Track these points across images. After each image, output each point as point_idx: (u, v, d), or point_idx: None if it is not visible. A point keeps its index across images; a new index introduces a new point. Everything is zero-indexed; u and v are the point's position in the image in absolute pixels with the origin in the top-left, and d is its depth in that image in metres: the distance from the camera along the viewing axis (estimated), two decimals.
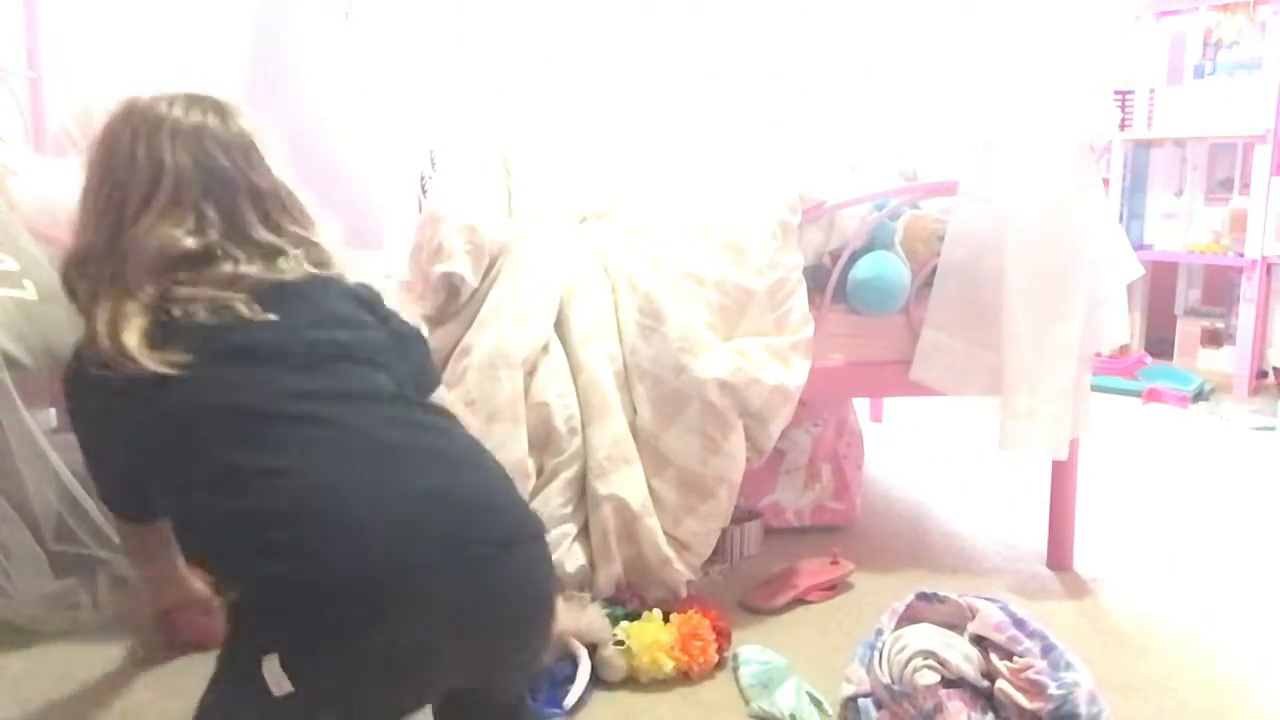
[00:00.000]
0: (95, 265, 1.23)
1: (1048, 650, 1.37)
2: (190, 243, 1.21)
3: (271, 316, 1.19)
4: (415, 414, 1.21)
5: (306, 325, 1.21)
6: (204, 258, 1.22)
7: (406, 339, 1.34)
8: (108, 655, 1.63)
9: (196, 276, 1.20)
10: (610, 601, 1.67)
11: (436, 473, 1.14)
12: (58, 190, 1.89)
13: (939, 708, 1.33)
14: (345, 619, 1.01)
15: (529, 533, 1.18)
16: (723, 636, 1.61)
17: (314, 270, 1.28)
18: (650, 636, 1.55)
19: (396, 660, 1.04)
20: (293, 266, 1.26)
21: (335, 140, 3.91)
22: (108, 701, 1.50)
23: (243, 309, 1.19)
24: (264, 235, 1.26)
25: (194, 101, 1.31)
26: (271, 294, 1.22)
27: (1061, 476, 1.98)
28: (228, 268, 1.22)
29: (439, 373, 1.50)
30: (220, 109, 1.32)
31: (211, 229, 1.23)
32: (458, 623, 1.07)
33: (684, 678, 1.56)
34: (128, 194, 1.23)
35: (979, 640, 1.42)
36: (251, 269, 1.22)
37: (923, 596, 1.50)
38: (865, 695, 1.41)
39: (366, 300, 1.32)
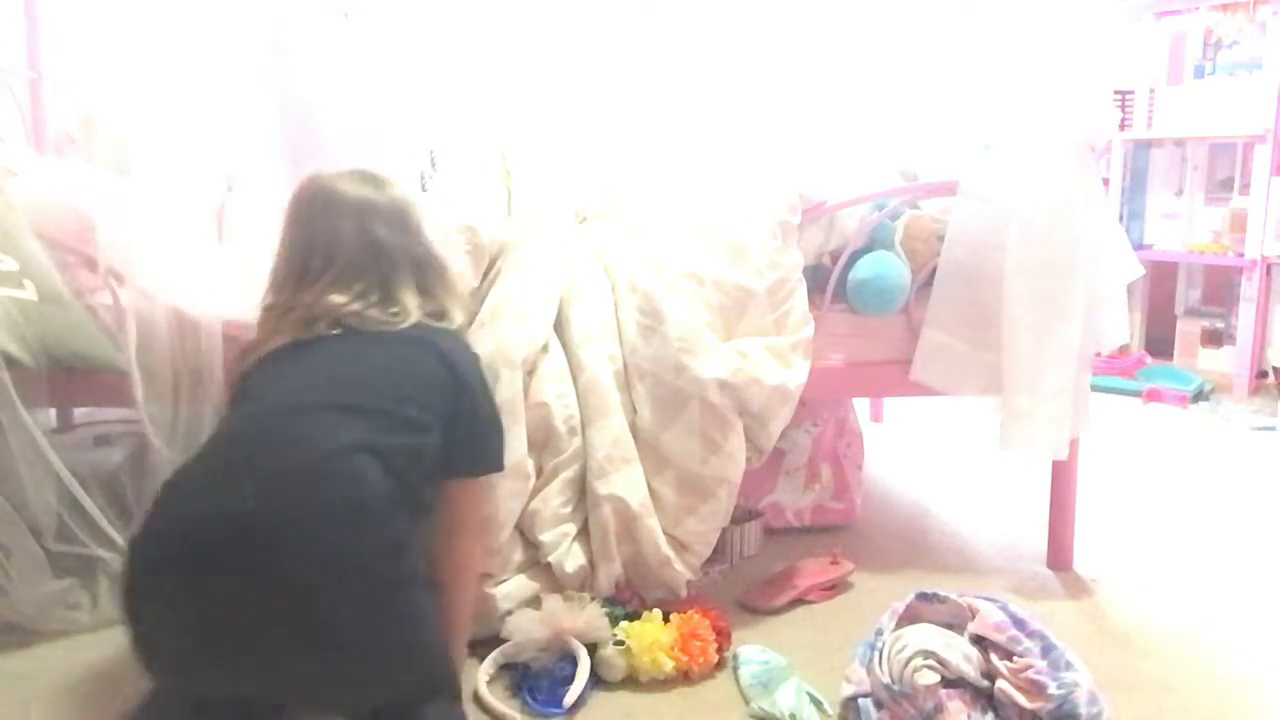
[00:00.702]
0: (278, 312, 1.45)
1: (1048, 650, 1.37)
2: (352, 307, 1.42)
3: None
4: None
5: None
6: None
7: (468, 418, 1.43)
8: (107, 655, 1.63)
9: None
10: (610, 601, 1.67)
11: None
12: (58, 190, 1.89)
13: (939, 708, 1.33)
14: None
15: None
16: (723, 636, 1.61)
17: (425, 321, 1.47)
18: (650, 636, 1.55)
19: None
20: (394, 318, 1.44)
21: (335, 140, 3.91)
22: (107, 702, 1.50)
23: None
24: (410, 299, 1.47)
25: (358, 176, 1.51)
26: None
27: (1061, 476, 1.98)
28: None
29: (486, 458, 1.50)
30: (377, 181, 1.51)
31: (372, 295, 1.44)
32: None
33: (684, 678, 1.56)
34: (308, 261, 1.44)
35: (979, 640, 1.42)
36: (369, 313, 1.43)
37: (923, 596, 1.50)
38: (865, 695, 1.41)
39: (448, 362, 1.43)
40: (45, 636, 1.68)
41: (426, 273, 1.50)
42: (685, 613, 1.61)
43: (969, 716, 1.32)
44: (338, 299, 1.41)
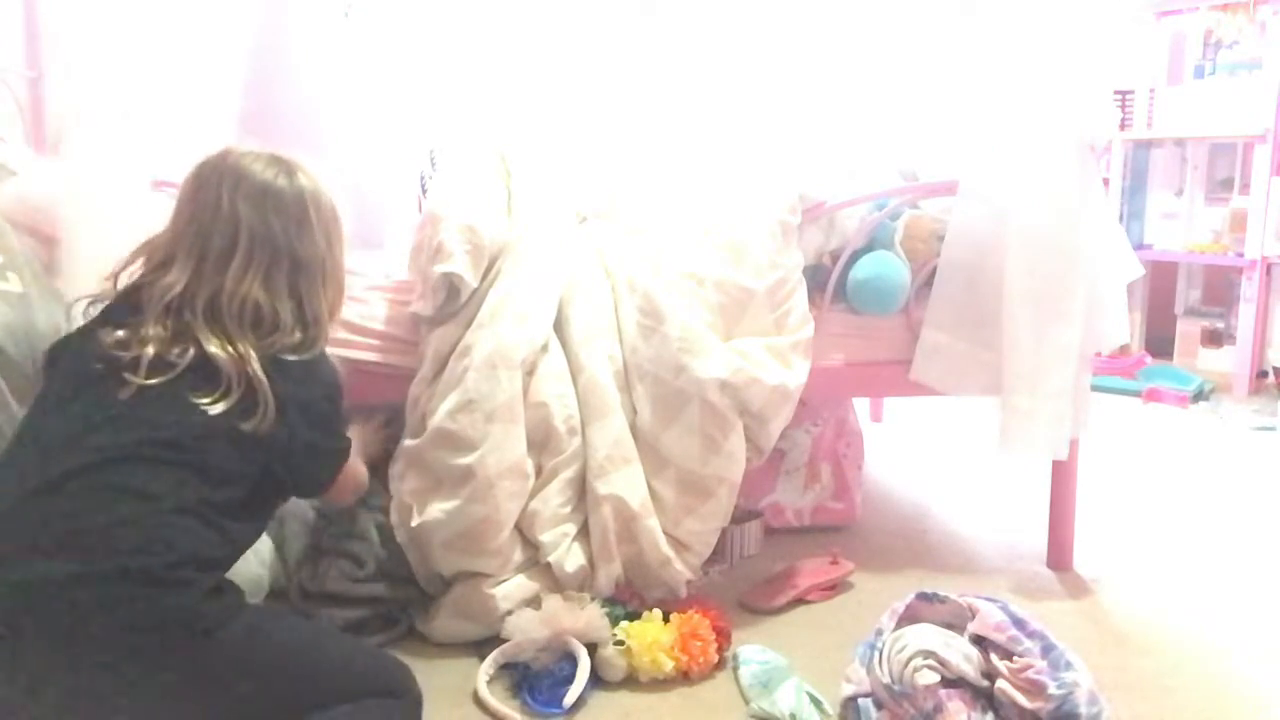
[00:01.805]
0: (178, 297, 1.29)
1: (1048, 650, 1.37)
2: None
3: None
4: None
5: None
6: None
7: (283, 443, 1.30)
8: None
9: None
10: (610, 601, 1.67)
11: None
12: (58, 190, 1.89)
13: (939, 708, 1.33)
14: None
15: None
16: (723, 636, 1.61)
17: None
18: (650, 636, 1.55)
19: None
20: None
21: (335, 140, 3.91)
22: None
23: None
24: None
25: (270, 160, 1.39)
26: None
27: (1061, 476, 1.98)
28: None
29: (314, 477, 1.42)
30: (289, 168, 1.39)
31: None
32: None
33: (684, 678, 1.56)
34: (210, 241, 1.32)
35: (979, 640, 1.42)
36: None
37: (923, 596, 1.50)
38: (865, 695, 1.41)
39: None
40: None
41: (302, 277, 1.36)
42: (685, 613, 1.61)
43: (969, 716, 1.32)
44: (259, 293, 1.31)
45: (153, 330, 1.26)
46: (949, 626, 1.46)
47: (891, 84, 2.49)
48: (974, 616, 1.44)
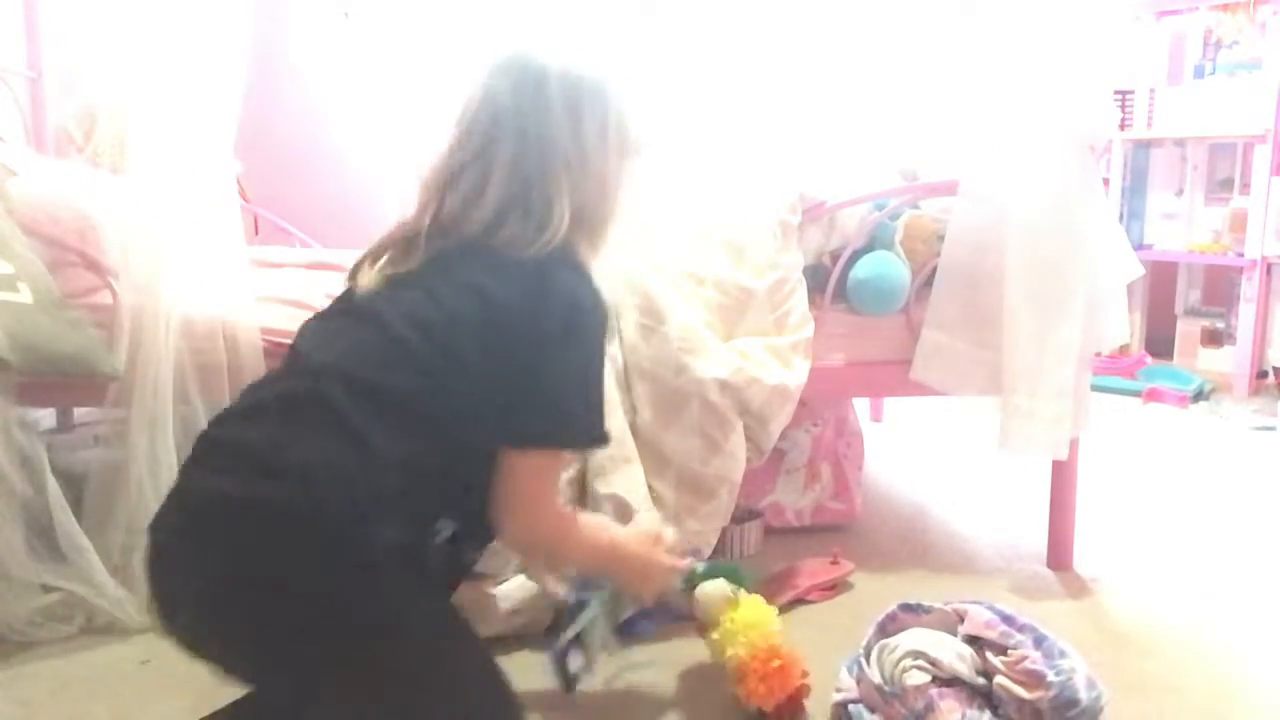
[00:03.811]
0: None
1: (1039, 641, 1.37)
2: None
3: None
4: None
5: None
6: None
7: None
8: (108, 655, 1.64)
9: None
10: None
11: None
12: (58, 190, 1.89)
13: (930, 707, 1.33)
14: None
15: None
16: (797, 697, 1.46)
17: None
18: (753, 617, 1.44)
19: None
20: None
21: (335, 140, 3.92)
22: (108, 701, 1.50)
23: None
24: None
25: None
26: None
27: (1061, 476, 1.98)
28: None
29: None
30: None
31: None
32: None
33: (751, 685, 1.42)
34: None
35: (973, 640, 1.42)
36: None
37: (905, 607, 1.49)
38: (855, 701, 1.41)
39: None
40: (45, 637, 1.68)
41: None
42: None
43: (964, 715, 1.32)
44: None
45: None
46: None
47: (891, 84, 2.49)
48: (961, 620, 1.44)
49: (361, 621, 1.05)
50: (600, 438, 1.25)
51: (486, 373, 1.13)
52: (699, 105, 2.53)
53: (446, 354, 1.12)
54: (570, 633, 1.41)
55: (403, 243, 1.23)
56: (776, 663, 1.41)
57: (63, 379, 1.74)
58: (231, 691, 1.52)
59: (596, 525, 1.40)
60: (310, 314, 1.31)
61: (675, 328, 1.74)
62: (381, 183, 3.88)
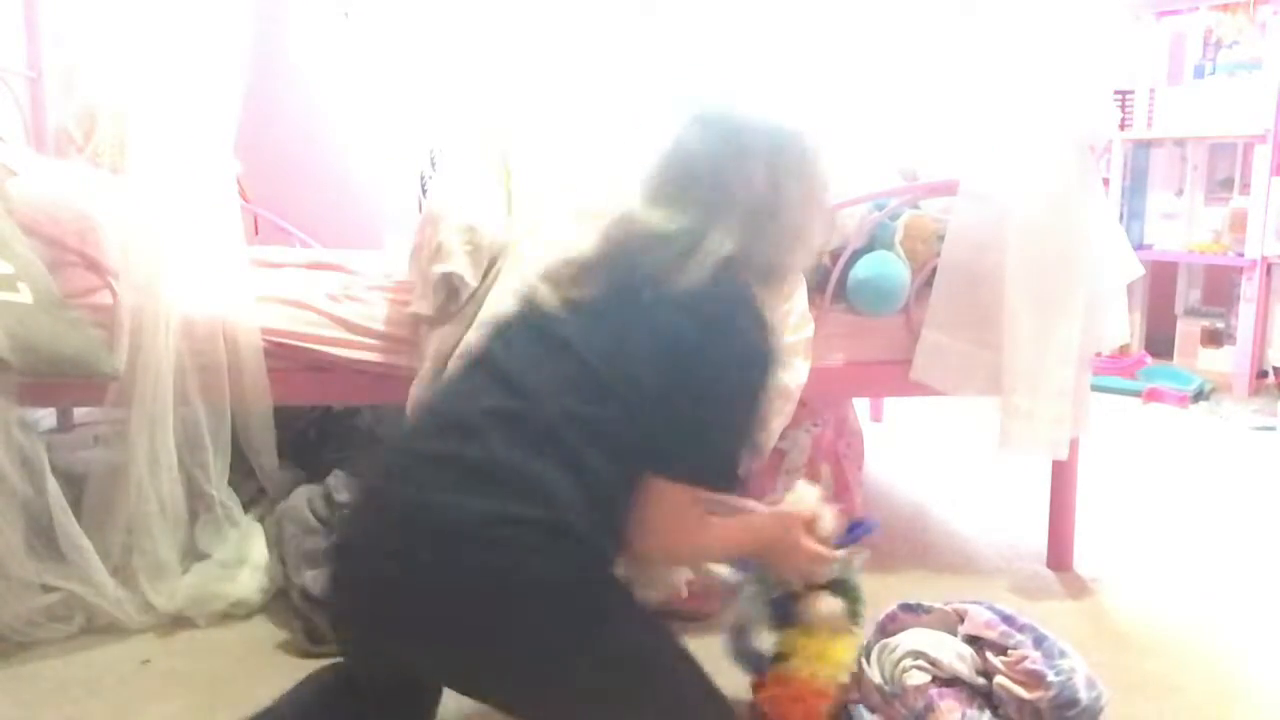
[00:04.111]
0: None
1: (1039, 641, 1.38)
2: None
3: None
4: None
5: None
6: None
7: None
8: (108, 655, 1.64)
9: None
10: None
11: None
12: (58, 190, 1.89)
13: (930, 707, 1.33)
14: None
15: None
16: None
17: None
18: (845, 657, 1.39)
19: None
20: None
21: (335, 140, 3.92)
22: (108, 701, 1.50)
23: None
24: None
25: None
26: None
27: (1061, 476, 1.98)
28: None
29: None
30: None
31: None
32: None
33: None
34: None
35: (973, 640, 1.42)
36: None
37: (905, 607, 1.49)
38: (855, 701, 1.41)
39: None
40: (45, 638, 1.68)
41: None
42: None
43: (964, 714, 1.32)
44: None
45: None
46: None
47: (891, 84, 2.49)
48: (961, 620, 1.44)
49: (607, 634, 1.09)
50: (730, 483, 1.23)
51: (660, 405, 1.13)
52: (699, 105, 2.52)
53: (633, 386, 1.12)
54: (740, 613, 1.39)
55: (583, 270, 1.24)
56: (825, 705, 1.36)
57: (63, 379, 1.74)
58: (232, 691, 1.53)
59: (732, 522, 1.34)
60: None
61: None
62: (381, 183, 3.89)
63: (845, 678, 1.39)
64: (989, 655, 1.39)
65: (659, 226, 1.21)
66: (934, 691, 1.34)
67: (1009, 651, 1.37)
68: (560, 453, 1.08)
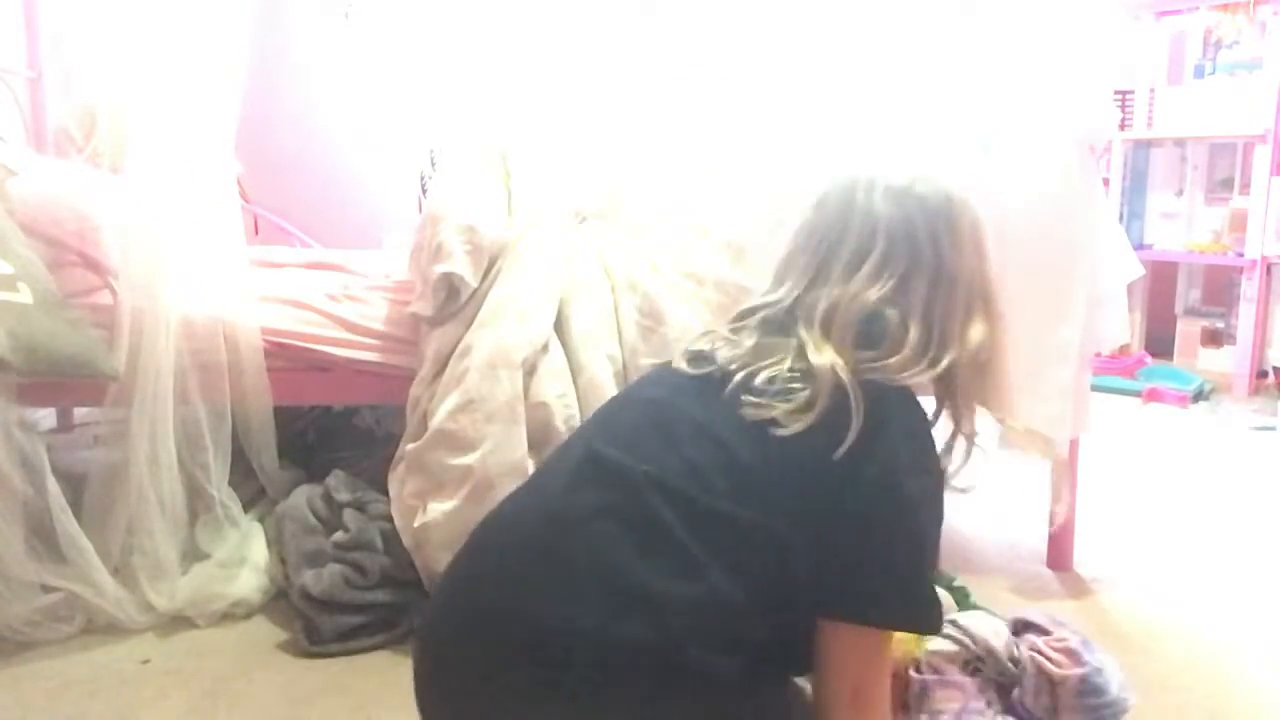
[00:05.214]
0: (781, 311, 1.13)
1: (1087, 642, 1.37)
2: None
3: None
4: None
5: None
6: None
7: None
8: (108, 655, 1.64)
9: None
10: None
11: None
12: (58, 190, 1.89)
13: (925, 691, 1.29)
14: None
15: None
16: None
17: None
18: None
19: None
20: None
21: (335, 140, 3.92)
22: (108, 701, 1.50)
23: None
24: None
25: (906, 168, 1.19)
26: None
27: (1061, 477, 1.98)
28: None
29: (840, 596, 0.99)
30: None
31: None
32: None
33: None
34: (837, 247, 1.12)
35: (1022, 626, 1.41)
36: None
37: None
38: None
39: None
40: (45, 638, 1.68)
41: (941, 290, 1.15)
42: None
43: (965, 707, 1.28)
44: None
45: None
46: None
47: (891, 84, 2.49)
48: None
49: None
50: (937, 626, 1.08)
51: (809, 519, 0.97)
52: (699, 105, 2.53)
53: (774, 487, 0.98)
54: None
55: (726, 338, 1.14)
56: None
57: (63, 379, 1.74)
58: (232, 691, 1.53)
59: None
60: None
61: (675, 329, 1.74)
62: (381, 183, 3.89)
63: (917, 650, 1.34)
64: (1031, 636, 1.38)
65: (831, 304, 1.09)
66: (933, 679, 1.30)
67: (1053, 633, 1.36)
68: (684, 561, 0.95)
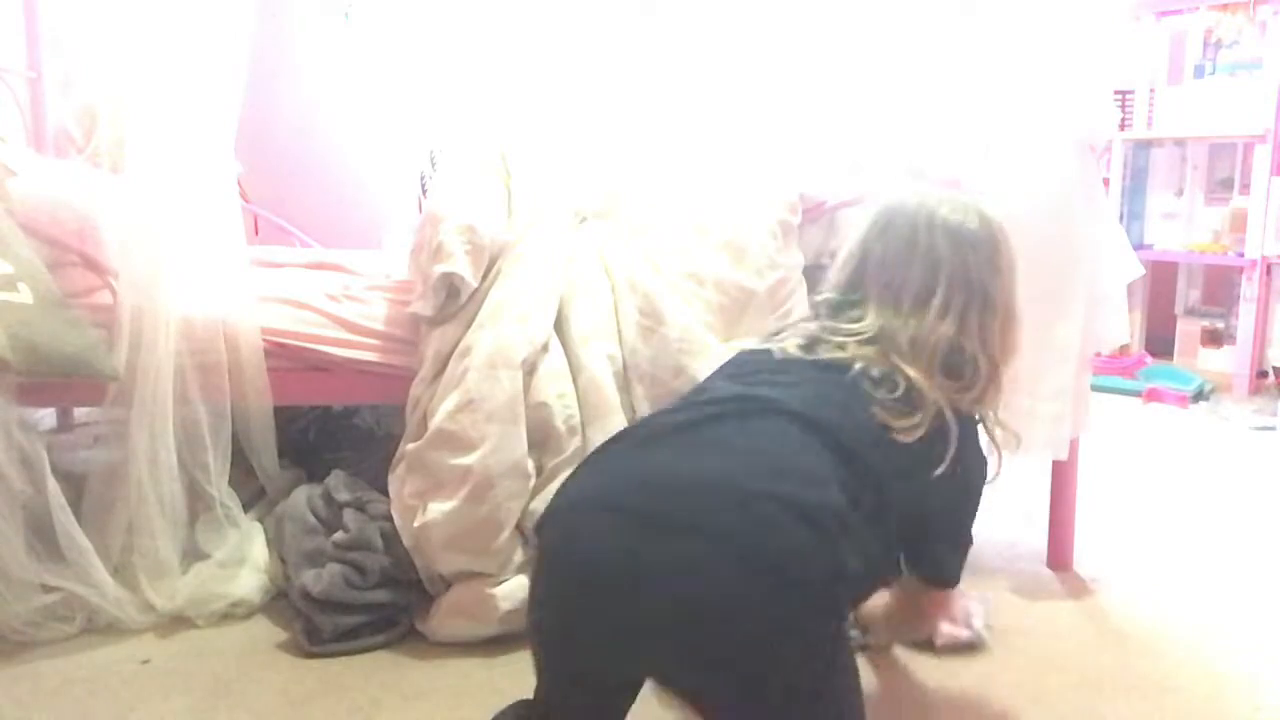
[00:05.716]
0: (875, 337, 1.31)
1: None
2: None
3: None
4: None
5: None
6: None
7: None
8: (108, 655, 1.64)
9: None
10: None
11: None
12: (58, 190, 1.89)
13: None
14: None
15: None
16: None
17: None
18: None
19: None
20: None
21: (335, 140, 3.92)
22: (108, 701, 1.50)
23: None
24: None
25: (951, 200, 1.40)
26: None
27: (1061, 476, 1.98)
28: None
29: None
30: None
31: None
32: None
33: None
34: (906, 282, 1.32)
35: None
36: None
37: None
38: None
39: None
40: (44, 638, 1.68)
41: (990, 319, 1.37)
42: None
43: None
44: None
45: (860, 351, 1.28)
46: None
47: (891, 83, 2.49)
48: None
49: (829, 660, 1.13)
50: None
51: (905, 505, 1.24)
52: (699, 105, 2.53)
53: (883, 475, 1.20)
54: None
55: (809, 339, 1.34)
56: None
57: (63, 379, 1.73)
58: (232, 691, 1.53)
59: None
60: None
61: (675, 329, 1.74)
62: (381, 183, 3.89)
63: None
64: None
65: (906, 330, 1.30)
66: None
67: None
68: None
